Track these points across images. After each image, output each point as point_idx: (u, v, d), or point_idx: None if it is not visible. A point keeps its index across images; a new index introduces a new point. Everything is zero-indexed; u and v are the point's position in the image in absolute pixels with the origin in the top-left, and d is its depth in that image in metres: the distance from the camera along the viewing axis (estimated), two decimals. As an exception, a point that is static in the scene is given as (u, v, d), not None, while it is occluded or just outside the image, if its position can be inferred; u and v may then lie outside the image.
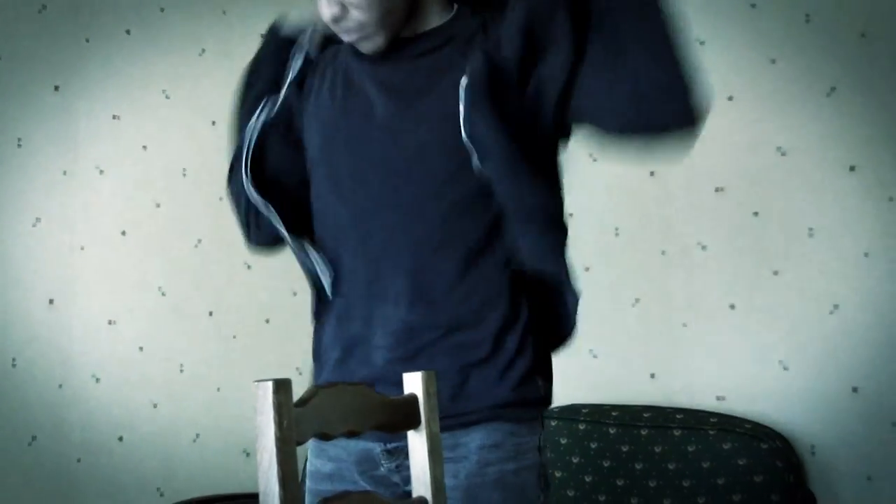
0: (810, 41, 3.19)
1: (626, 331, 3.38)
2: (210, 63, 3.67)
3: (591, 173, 3.18)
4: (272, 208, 1.81)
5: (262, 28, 1.94)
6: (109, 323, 3.48)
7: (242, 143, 1.84)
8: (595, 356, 3.38)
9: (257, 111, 1.84)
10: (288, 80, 1.84)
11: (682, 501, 3.03)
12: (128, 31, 3.57)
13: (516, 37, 1.66)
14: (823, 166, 3.17)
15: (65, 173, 3.42)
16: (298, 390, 1.36)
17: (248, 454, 3.61)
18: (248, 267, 3.55)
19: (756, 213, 3.26)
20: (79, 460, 3.39)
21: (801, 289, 3.18)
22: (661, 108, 1.64)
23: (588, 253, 3.32)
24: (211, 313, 3.67)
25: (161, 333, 3.57)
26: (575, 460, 3.19)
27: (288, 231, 1.82)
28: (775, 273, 3.22)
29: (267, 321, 3.75)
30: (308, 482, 1.87)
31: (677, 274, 3.35)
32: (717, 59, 3.30)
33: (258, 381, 1.30)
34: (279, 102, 1.84)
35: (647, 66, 1.63)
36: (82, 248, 3.44)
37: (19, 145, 3.34)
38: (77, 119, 3.45)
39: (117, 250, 3.51)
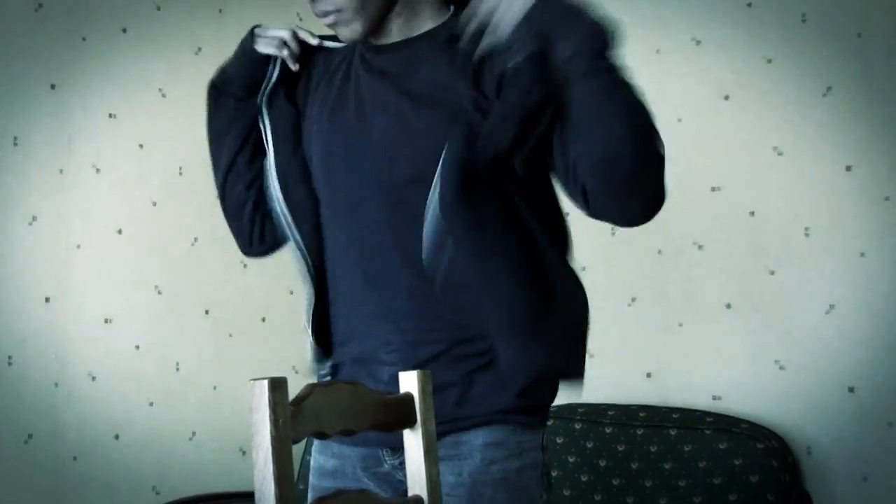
0: (806, 41, 3.19)
1: (622, 330, 3.38)
2: (206, 62, 3.63)
3: (588, 173, 3.17)
4: (289, 214, 1.83)
5: (259, 27, 1.95)
6: (105, 321, 3.47)
7: (266, 147, 1.87)
8: (591, 355, 3.35)
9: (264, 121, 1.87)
10: (264, 90, 1.88)
11: (678, 501, 3.03)
12: (124, 30, 3.56)
13: (510, 130, 1.66)
14: (820, 166, 3.17)
15: (61, 172, 3.41)
16: (294, 389, 1.36)
17: (244, 452, 3.60)
18: (245, 266, 3.54)
19: (752, 213, 3.26)
20: (75, 458, 3.38)
21: (797, 288, 3.18)
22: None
23: (585, 252, 3.30)
24: (207, 312, 3.66)
25: (157, 332, 3.57)
26: (571, 460, 3.19)
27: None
28: (771, 273, 3.22)
29: (263, 320, 3.75)
30: (311, 478, 1.87)
31: (673, 273, 3.35)
32: (714, 59, 3.31)
33: (254, 379, 1.30)
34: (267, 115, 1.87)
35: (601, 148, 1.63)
36: (78, 247, 3.43)
37: (15, 144, 3.33)
38: (73, 117, 3.44)
39: (113, 249, 3.50)
